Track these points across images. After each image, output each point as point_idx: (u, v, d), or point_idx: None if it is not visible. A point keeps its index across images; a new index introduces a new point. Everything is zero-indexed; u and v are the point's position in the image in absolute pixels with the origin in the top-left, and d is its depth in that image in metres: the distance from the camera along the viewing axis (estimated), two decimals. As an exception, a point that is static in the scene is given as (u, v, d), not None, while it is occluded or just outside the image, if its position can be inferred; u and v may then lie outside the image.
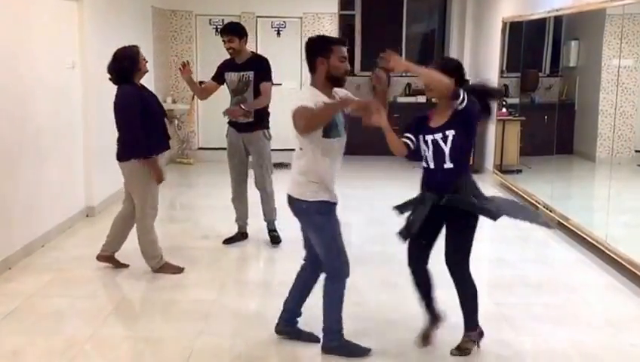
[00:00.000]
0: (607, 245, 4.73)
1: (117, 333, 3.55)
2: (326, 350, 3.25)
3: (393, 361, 3.27)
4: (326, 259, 3.18)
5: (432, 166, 3.20)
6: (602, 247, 4.78)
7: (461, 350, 3.28)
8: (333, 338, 3.24)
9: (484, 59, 8.35)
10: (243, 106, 4.81)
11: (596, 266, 4.70)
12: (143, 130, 4.19)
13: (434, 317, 3.41)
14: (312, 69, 3.12)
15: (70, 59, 5.50)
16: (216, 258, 4.82)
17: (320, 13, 8.71)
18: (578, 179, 7.01)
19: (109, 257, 4.50)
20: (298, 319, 3.43)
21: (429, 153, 3.20)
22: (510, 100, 7.71)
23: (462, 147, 3.16)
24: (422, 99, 9.40)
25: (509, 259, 4.92)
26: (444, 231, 3.29)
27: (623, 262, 4.46)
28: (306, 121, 2.95)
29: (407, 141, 3.25)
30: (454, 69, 3.32)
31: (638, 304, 4.05)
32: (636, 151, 6.13)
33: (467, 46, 9.15)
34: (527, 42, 7.40)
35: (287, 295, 3.43)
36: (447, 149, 3.14)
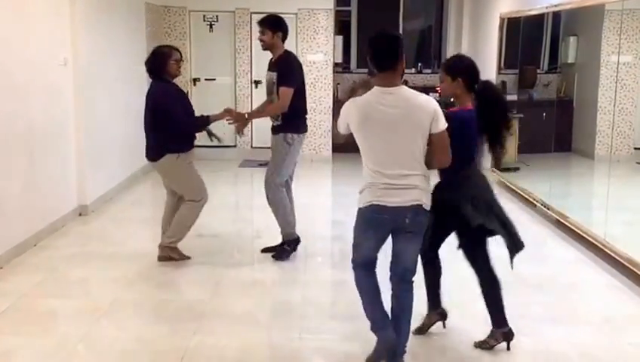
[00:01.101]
0: (605, 243, 4.70)
1: (110, 333, 3.50)
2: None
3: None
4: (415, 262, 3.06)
5: None
6: (601, 246, 4.75)
7: (481, 344, 3.33)
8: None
9: (482, 56, 8.29)
10: (246, 115, 4.65)
11: (595, 265, 4.67)
12: (171, 127, 4.27)
13: (434, 309, 3.44)
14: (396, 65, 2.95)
15: (62, 56, 5.43)
16: (211, 257, 4.76)
17: (315, 9, 8.65)
18: (576, 177, 6.99)
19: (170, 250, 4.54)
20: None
21: None
22: (508, 97, 7.66)
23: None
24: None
25: (507, 258, 4.87)
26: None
27: (622, 261, 4.43)
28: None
29: None
30: (461, 72, 3.18)
31: (637, 302, 4.02)
32: (635, 148, 6.10)
33: (464, 42, 9.11)
34: (525, 38, 7.36)
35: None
36: None
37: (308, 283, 4.29)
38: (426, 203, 2.94)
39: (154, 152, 4.41)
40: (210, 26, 8.70)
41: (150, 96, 4.42)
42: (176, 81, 4.60)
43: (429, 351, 3.35)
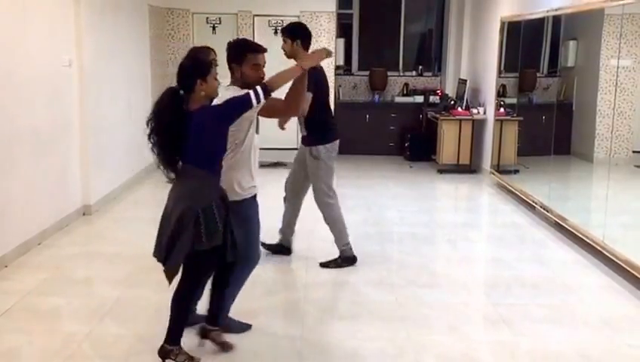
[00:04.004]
0: (604, 245, 4.72)
1: (113, 332, 3.53)
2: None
3: (392, 361, 3.26)
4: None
5: None
6: (600, 248, 4.78)
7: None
8: None
9: (483, 59, 8.35)
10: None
11: (593, 267, 4.70)
12: None
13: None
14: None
15: (67, 56, 5.48)
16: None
17: (317, 11, 8.70)
18: (575, 180, 7.02)
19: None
20: None
21: None
22: (508, 100, 7.71)
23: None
24: (419, 98, 9.42)
25: (506, 260, 4.92)
26: None
27: (621, 263, 4.45)
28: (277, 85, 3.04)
29: None
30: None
31: (636, 304, 4.05)
32: (634, 151, 6.13)
33: (465, 45, 9.15)
34: (526, 42, 7.39)
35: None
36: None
37: (309, 284, 4.32)
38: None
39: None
40: (214, 28, 8.74)
41: None
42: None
43: (423, 352, 3.38)
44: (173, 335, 3.06)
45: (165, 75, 8.65)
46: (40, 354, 3.27)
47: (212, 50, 3.24)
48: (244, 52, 3.19)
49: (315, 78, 4.14)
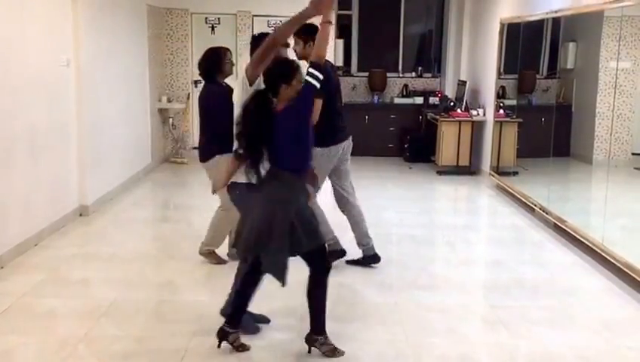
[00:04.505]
0: (603, 248, 4.71)
1: (110, 333, 3.51)
2: None
3: (389, 364, 3.25)
4: None
5: None
6: (599, 250, 4.77)
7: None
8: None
9: (482, 60, 8.34)
10: None
11: (592, 269, 4.69)
12: (222, 128, 4.13)
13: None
14: None
15: (65, 56, 5.46)
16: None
17: (317, 12, 8.68)
18: (575, 182, 7.01)
19: (210, 253, 4.57)
20: None
21: None
22: (507, 102, 7.70)
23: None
24: (419, 100, 9.42)
25: (505, 262, 4.91)
26: None
27: (620, 265, 4.44)
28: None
29: None
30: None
31: (635, 307, 4.04)
32: (633, 153, 6.13)
33: (465, 47, 9.14)
34: (525, 44, 7.39)
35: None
36: None
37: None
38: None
39: (202, 153, 4.42)
40: (212, 28, 8.74)
41: (202, 99, 4.47)
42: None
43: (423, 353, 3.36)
44: (322, 324, 3.27)
45: (164, 75, 8.65)
46: (36, 355, 3.25)
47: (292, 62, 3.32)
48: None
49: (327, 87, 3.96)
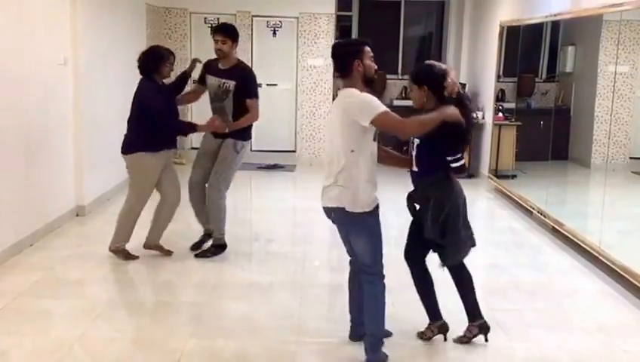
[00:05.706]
0: (600, 251, 4.72)
1: (106, 334, 3.50)
2: None
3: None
4: (374, 260, 3.15)
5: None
6: (596, 253, 4.77)
7: (460, 339, 3.43)
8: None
9: (481, 64, 8.34)
10: (227, 128, 4.61)
11: (589, 272, 4.69)
12: (152, 125, 4.33)
13: (433, 321, 3.49)
14: (348, 71, 3.08)
15: (62, 55, 5.45)
16: (208, 259, 4.77)
17: (317, 13, 8.68)
18: (573, 185, 7.02)
19: (156, 246, 4.69)
20: None
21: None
22: (506, 105, 7.71)
23: (427, 155, 3.32)
24: (418, 102, 9.41)
25: (503, 265, 4.91)
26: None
27: (617, 269, 4.45)
28: (421, 127, 3.20)
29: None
30: (423, 80, 3.32)
31: (631, 310, 4.04)
32: (631, 157, 6.14)
33: (464, 49, 9.15)
34: (524, 47, 7.40)
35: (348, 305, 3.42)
36: (414, 153, 3.41)
37: (305, 286, 4.30)
38: (348, 204, 3.04)
39: (127, 146, 4.47)
40: (212, 28, 8.71)
41: (137, 93, 4.48)
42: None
43: (414, 351, 3.36)
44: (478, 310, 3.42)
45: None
46: (30, 356, 3.23)
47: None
48: (360, 45, 3.13)
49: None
